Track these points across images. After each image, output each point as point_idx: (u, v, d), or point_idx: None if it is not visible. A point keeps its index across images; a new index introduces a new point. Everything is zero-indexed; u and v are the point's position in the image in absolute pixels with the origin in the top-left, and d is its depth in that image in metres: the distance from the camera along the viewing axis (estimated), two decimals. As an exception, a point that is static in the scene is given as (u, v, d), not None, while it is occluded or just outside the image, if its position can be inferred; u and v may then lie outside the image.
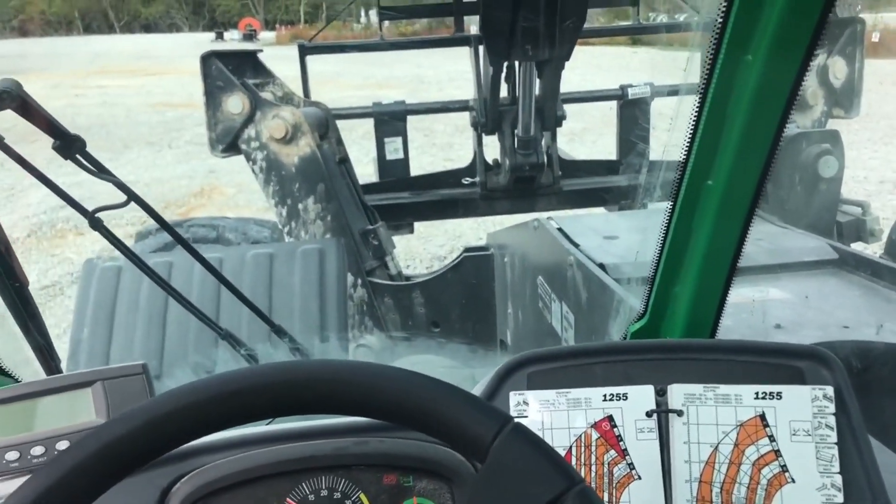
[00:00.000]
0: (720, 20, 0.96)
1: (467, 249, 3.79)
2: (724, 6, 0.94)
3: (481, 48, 4.16)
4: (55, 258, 6.75)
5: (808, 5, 0.92)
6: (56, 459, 0.64)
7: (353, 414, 0.70)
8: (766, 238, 2.34)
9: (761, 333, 1.77)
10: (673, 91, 4.64)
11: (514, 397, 0.96)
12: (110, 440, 0.64)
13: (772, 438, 0.90)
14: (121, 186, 1.21)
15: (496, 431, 0.65)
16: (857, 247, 2.64)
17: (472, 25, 4.90)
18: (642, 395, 0.93)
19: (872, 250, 3.09)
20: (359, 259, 3.42)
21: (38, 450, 1.01)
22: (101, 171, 1.18)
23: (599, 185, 4.59)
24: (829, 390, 0.90)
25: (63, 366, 1.52)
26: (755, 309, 1.90)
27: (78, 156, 1.15)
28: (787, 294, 2.01)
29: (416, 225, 4.93)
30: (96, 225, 1.21)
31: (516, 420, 0.67)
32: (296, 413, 0.69)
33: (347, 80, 15.86)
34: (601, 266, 2.20)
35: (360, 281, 3.39)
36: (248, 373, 0.67)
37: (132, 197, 1.22)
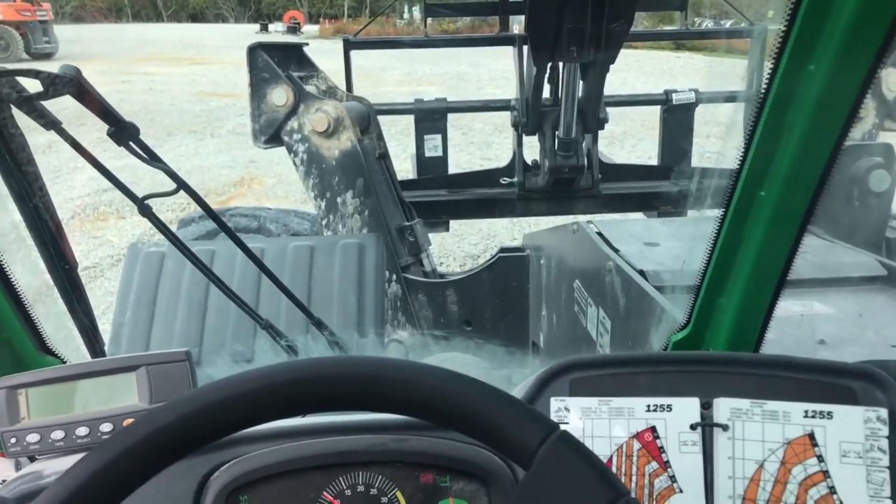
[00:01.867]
0: (784, 27, 0.94)
1: (503, 250, 3.78)
2: (789, 13, 0.92)
3: (525, 48, 4.14)
4: (97, 240, 6.89)
5: (876, 16, 0.89)
6: (108, 442, 0.65)
7: (398, 412, 0.70)
8: (810, 251, 2.29)
9: (805, 348, 1.73)
10: (718, 98, 4.57)
11: (555, 403, 0.96)
12: (163, 425, 0.65)
13: (820, 459, 0.87)
14: (171, 174, 1.22)
15: (542, 439, 0.65)
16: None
17: (516, 25, 4.89)
18: (687, 408, 0.92)
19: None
20: (394, 255, 3.43)
21: (82, 430, 1.03)
22: (152, 159, 1.20)
23: (639, 190, 4.54)
24: (883, 412, 0.88)
25: (105, 348, 1.54)
26: (798, 323, 1.86)
27: (131, 143, 1.17)
28: (832, 309, 1.96)
29: (451, 223, 4.93)
30: (145, 211, 1.23)
31: (563, 428, 0.66)
32: (340, 409, 0.69)
33: (389, 76, 15.92)
34: (641, 272, 2.17)
35: (394, 277, 3.40)
36: (301, 365, 0.67)
37: (181, 185, 1.23)
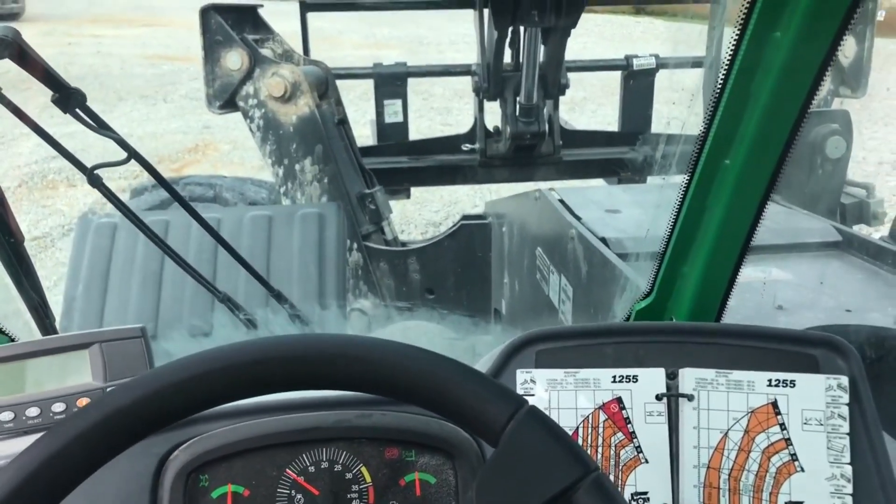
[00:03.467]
0: None
1: (465, 217, 3.76)
2: None
3: (486, 11, 4.08)
4: (46, 209, 6.67)
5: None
6: (60, 426, 0.61)
7: (362, 391, 0.68)
8: (768, 217, 2.31)
9: (764, 314, 1.75)
10: (679, 64, 4.58)
11: (521, 375, 0.95)
12: (118, 408, 0.62)
13: (783, 427, 0.88)
14: (121, 143, 1.17)
15: (510, 415, 0.63)
16: (859, 230, 2.62)
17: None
18: (653, 378, 0.92)
19: (876, 233, 3.08)
20: (355, 223, 3.39)
21: (33, 411, 0.99)
22: (101, 127, 1.14)
23: (600, 157, 4.54)
24: (844, 380, 0.89)
25: (56, 323, 1.49)
26: (757, 289, 1.89)
27: (77, 110, 1.11)
28: (790, 275, 1.99)
29: (412, 190, 4.89)
30: (95, 182, 1.17)
31: (531, 403, 0.65)
32: (302, 388, 0.67)
33: (347, 39, 15.60)
34: (603, 240, 2.18)
35: (355, 245, 3.36)
36: (263, 344, 0.65)
37: (132, 154, 1.18)
